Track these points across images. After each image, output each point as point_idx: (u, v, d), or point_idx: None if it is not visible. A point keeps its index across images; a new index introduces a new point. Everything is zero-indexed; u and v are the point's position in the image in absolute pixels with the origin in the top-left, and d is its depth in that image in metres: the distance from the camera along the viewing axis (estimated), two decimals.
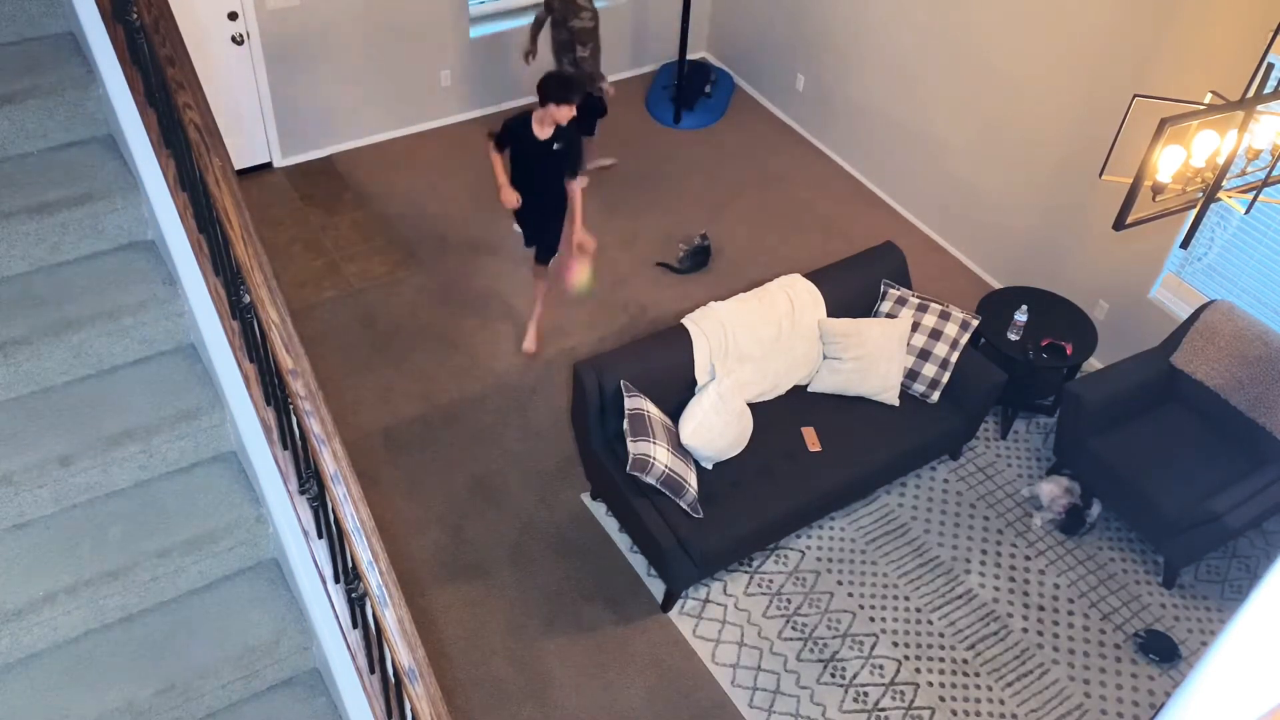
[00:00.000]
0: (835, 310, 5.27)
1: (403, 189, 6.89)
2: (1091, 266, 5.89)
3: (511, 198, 5.28)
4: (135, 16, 2.84)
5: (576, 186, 5.34)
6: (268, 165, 6.94)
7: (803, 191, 7.16)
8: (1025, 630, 4.85)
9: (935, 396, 5.22)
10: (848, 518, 5.24)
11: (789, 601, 4.88)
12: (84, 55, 3.38)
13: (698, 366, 4.94)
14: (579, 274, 5.77)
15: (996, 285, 6.54)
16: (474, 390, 5.70)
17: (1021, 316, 5.50)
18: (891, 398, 5.18)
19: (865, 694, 4.59)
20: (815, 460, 4.94)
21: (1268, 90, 3.53)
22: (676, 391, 4.93)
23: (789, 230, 6.86)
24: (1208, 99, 3.66)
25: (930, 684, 4.64)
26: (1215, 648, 2.16)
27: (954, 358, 5.18)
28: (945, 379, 5.18)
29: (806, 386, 5.29)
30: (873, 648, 4.75)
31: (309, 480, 2.73)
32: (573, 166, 5.29)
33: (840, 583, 4.98)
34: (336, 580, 2.77)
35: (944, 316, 5.23)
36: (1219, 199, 3.48)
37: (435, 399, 5.65)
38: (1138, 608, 4.97)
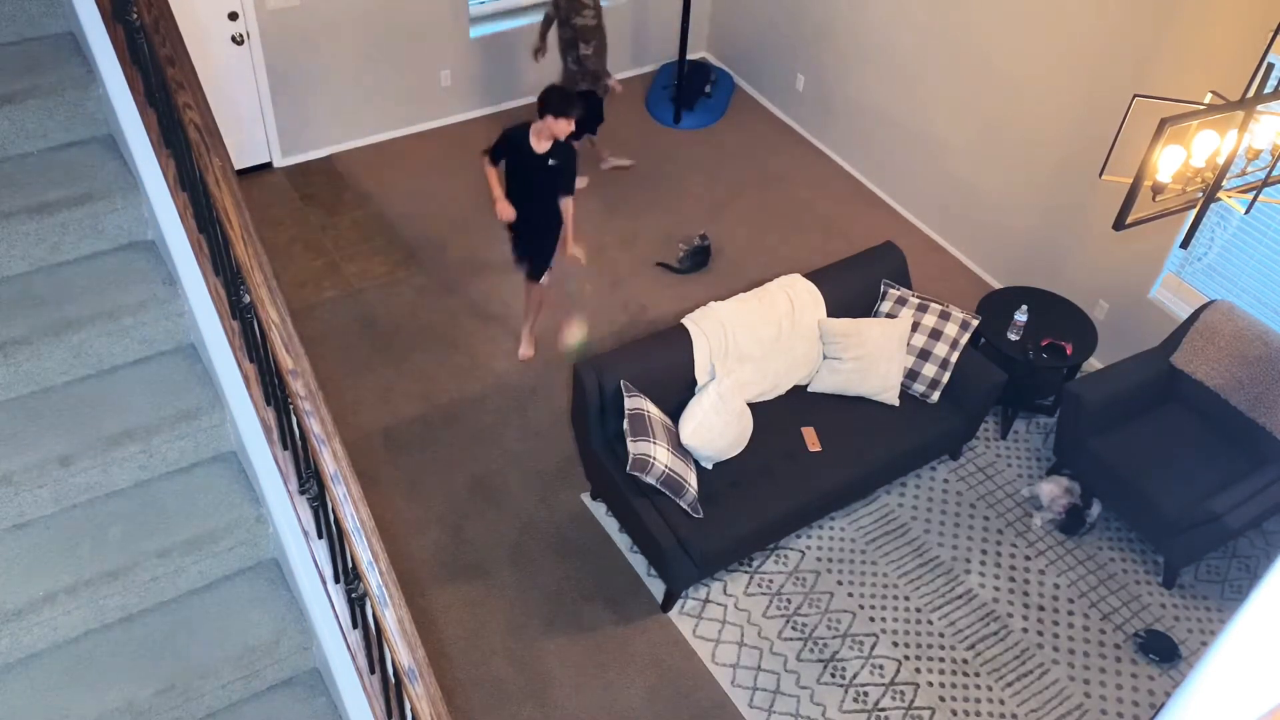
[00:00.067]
0: (835, 310, 5.27)
1: (403, 189, 6.89)
2: (1091, 266, 5.89)
3: (507, 211, 5.22)
4: (135, 16, 2.84)
5: (570, 202, 5.27)
6: (268, 165, 6.94)
7: (803, 191, 7.16)
8: (1025, 630, 4.85)
9: (935, 396, 5.22)
10: (848, 518, 5.24)
11: (789, 601, 4.88)
12: (84, 55, 3.38)
13: (698, 366, 4.94)
14: (573, 333, 5.76)
15: (996, 285, 6.54)
16: (474, 390, 5.70)
17: (1021, 316, 5.50)
18: (891, 398, 5.18)
19: (865, 694, 4.59)
20: (815, 460, 4.94)
21: (1268, 90, 3.53)
22: (676, 391, 4.93)
23: (789, 230, 6.86)
24: (1208, 99, 3.66)
25: (930, 684, 4.64)
26: (1215, 648, 2.16)
27: (954, 358, 5.18)
28: (945, 379, 5.18)
29: (806, 386, 5.29)
30: (873, 648, 4.75)
31: (309, 480, 2.73)
32: (568, 183, 5.22)
33: (840, 583, 4.98)
34: (336, 580, 2.77)
35: (944, 316, 5.23)
36: (1219, 199, 3.49)
37: (435, 399, 5.65)
38: (1138, 608, 4.97)
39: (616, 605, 4.83)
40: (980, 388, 5.17)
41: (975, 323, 5.23)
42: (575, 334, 5.74)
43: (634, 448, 4.50)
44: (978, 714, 4.55)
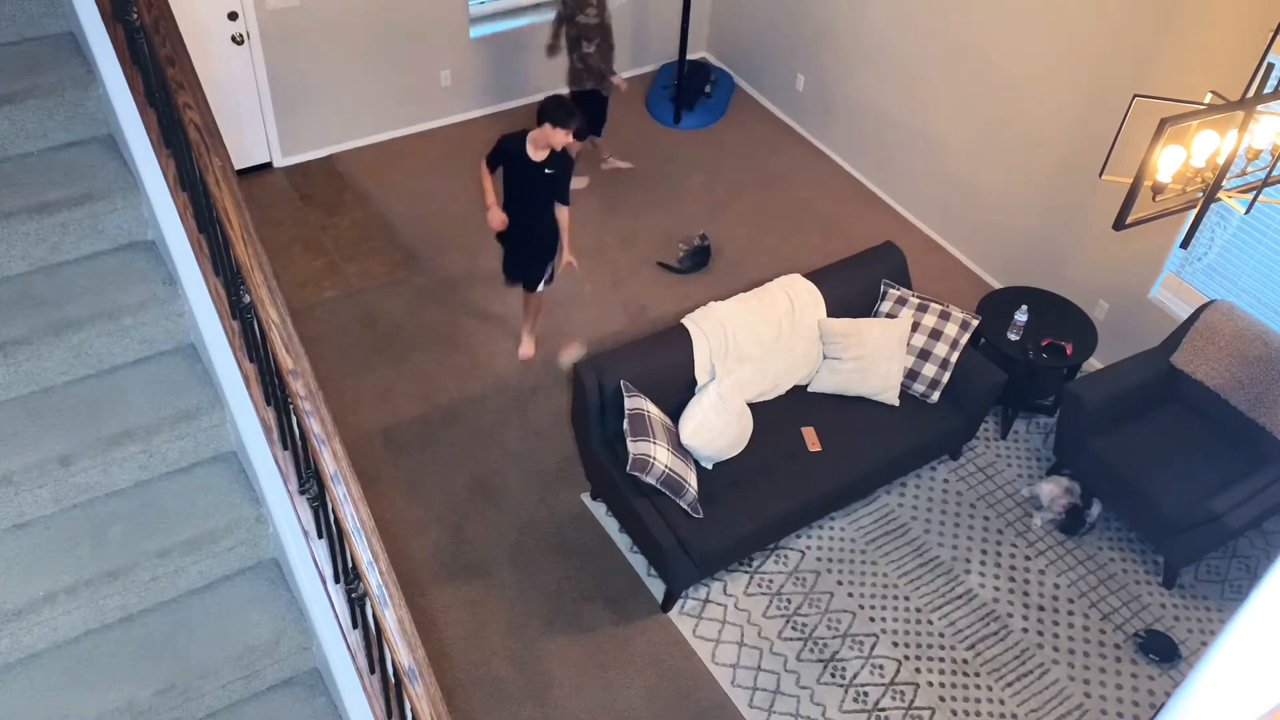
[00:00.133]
0: (835, 310, 5.27)
1: (403, 189, 6.89)
2: (1091, 266, 5.89)
3: (497, 218, 5.20)
4: (135, 16, 2.84)
5: (566, 211, 5.25)
6: (268, 165, 6.94)
7: (803, 191, 7.16)
8: (1025, 630, 4.85)
9: (935, 396, 5.22)
10: (848, 518, 5.24)
11: (789, 601, 4.88)
12: (84, 55, 3.38)
13: (698, 366, 4.94)
14: (570, 354, 5.77)
15: (996, 285, 6.54)
16: (474, 390, 5.70)
17: (1021, 316, 5.50)
18: (891, 398, 5.18)
19: (865, 694, 4.59)
20: (815, 460, 4.94)
21: (1268, 90, 3.53)
22: (676, 391, 4.93)
23: (789, 230, 6.86)
24: (1208, 99, 3.66)
25: (930, 684, 4.64)
26: (1215, 648, 2.16)
27: (954, 358, 5.18)
28: (945, 379, 5.18)
29: (806, 386, 5.29)
30: (873, 648, 4.75)
31: (309, 480, 2.73)
32: (564, 192, 5.19)
33: (840, 583, 4.98)
34: (336, 580, 2.77)
35: (944, 316, 5.23)
36: (1219, 199, 3.49)
37: (435, 399, 5.65)
38: (1138, 608, 4.97)
39: (616, 605, 4.83)
40: (980, 388, 5.17)
41: (975, 323, 5.23)
42: (574, 355, 5.76)
43: (634, 448, 4.50)
44: (978, 714, 4.55)
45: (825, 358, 5.24)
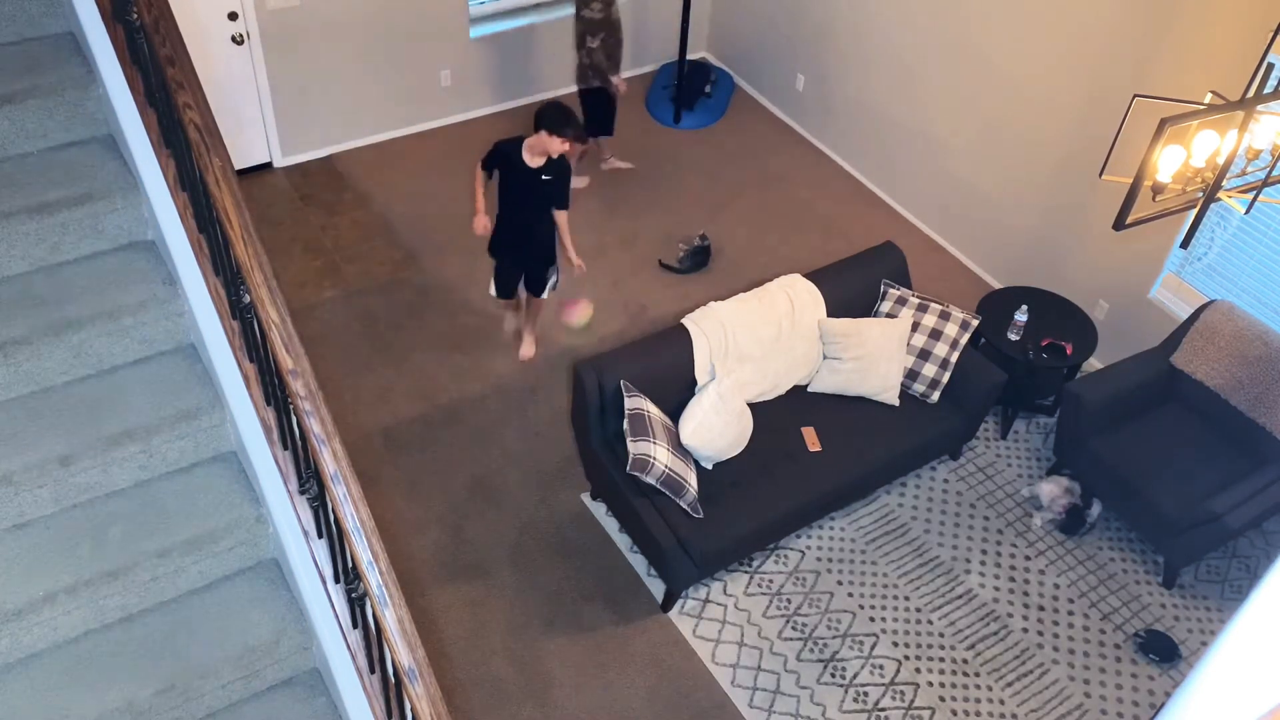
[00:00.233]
0: (835, 310, 5.27)
1: (403, 189, 6.89)
2: (1091, 266, 5.89)
3: (481, 225, 5.15)
4: (135, 16, 2.84)
5: (564, 216, 5.20)
6: (268, 165, 6.94)
7: (803, 191, 7.16)
8: (1025, 630, 4.85)
9: (935, 396, 5.22)
10: (848, 518, 5.24)
11: (789, 601, 4.88)
12: (84, 55, 3.38)
13: (698, 366, 4.94)
14: (580, 312, 5.46)
15: (996, 285, 6.54)
16: (474, 390, 5.70)
17: (1021, 316, 5.50)
18: (891, 398, 5.18)
19: (865, 694, 4.59)
20: (815, 460, 4.94)
21: (1268, 90, 3.53)
22: (676, 391, 4.93)
23: (789, 230, 6.86)
24: (1208, 99, 3.66)
25: (930, 684, 4.64)
26: (1215, 648, 2.16)
27: (954, 358, 5.18)
28: (945, 379, 5.18)
29: (806, 386, 5.29)
30: (873, 648, 4.75)
31: (309, 480, 2.73)
32: (562, 198, 5.13)
33: (840, 583, 4.98)
34: (336, 580, 2.77)
35: (944, 316, 5.23)
36: (1219, 199, 3.49)
37: (435, 399, 5.65)
38: (1138, 608, 4.97)
39: (616, 605, 4.83)
40: (980, 388, 5.17)
41: (975, 323, 5.23)
42: (581, 314, 5.48)
43: (634, 448, 4.50)
44: (978, 714, 4.55)
45: (825, 358, 5.24)
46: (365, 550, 2.43)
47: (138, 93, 3.16)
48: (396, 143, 7.24)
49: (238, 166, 6.83)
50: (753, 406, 5.14)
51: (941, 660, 4.72)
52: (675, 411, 4.94)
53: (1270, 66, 3.43)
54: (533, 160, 5.01)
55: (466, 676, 4.55)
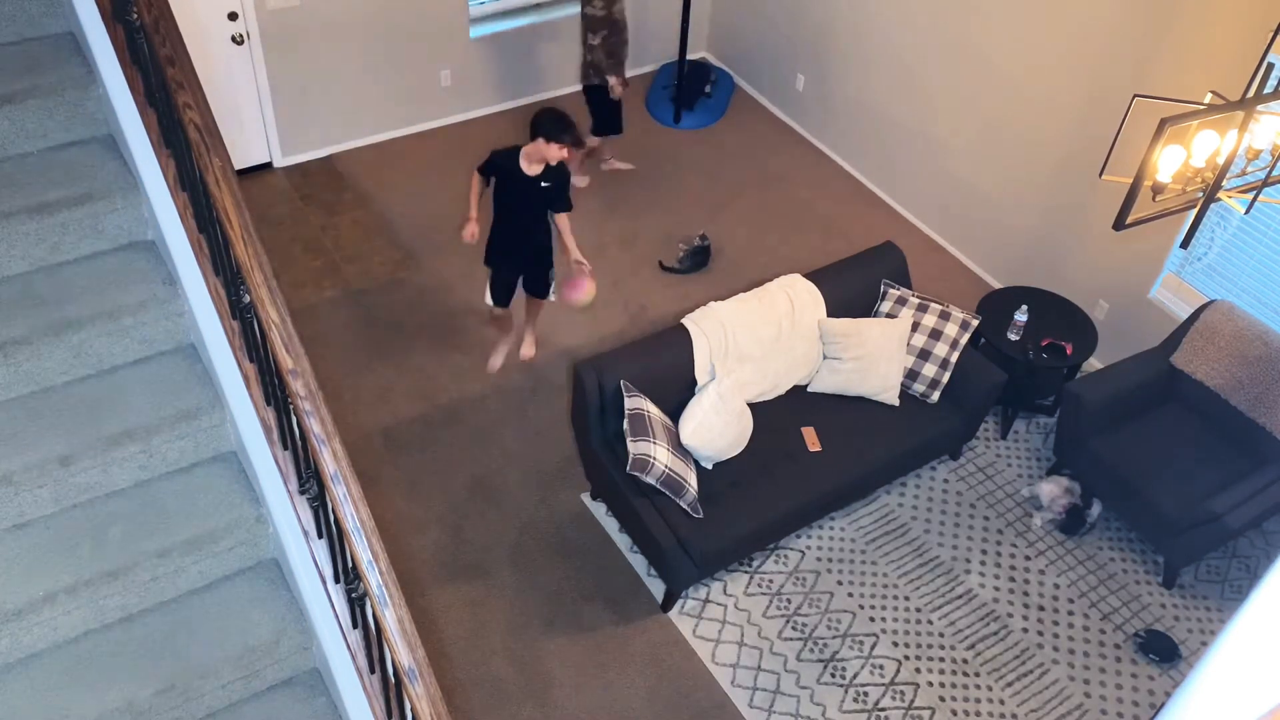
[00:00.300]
0: (835, 310, 5.27)
1: (403, 189, 6.89)
2: (1091, 266, 5.89)
3: (470, 233, 5.11)
4: (135, 16, 2.84)
5: (565, 219, 5.15)
6: (268, 165, 6.94)
7: (803, 191, 7.16)
8: (1025, 630, 4.85)
9: (935, 396, 5.22)
10: (848, 518, 5.24)
11: (789, 601, 4.88)
12: (84, 55, 3.38)
13: (698, 366, 4.94)
14: (586, 290, 5.27)
15: (996, 285, 6.54)
16: (474, 390, 5.70)
17: (1021, 316, 5.50)
18: (891, 398, 5.18)
19: (865, 694, 4.59)
20: (815, 460, 4.94)
21: (1268, 90, 3.53)
22: (676, 391, 4.93)
23: (789, 230, 6.86)
24: (1208, 99, 3.66)
25: (930, 684, 4.64)
26: (1215, 648, 2.16)
27: (954, 358, 5.18)
28: (945, 379, 5.18)
29: (806, 386, 5.29)
30: (873, 648, 4.75)
31: (309, 480, 2.73)
32: (564, 202, 5.08)
33: (840, 583, 4.98)
34: (336, 580, 2.77)
35: (944, 316, 5.23)
36: (1219, 199, 3.49)
37: (435, 399, 5.65)
38: (1138, 608, 4.97)
39: (616, 605, 4.83)
40: (980, 388, 5.17)
41: (975, 323, 5.23)
42: (586, 293, 5.30)
43: (634, 448, 4.50)
44: (978, 714, 4.55)
45: (825, 358, 5.24)
46: (365, 550, 2.43)
47: (138, 93, 3.16)
48: (396, 143, 7.24)
49: (238, 166, 6.83)
50: (753, 406, 5.14)
51: (941, 660, 4.72)
52: (675, 411, 4.94)
53: (1270, 66, 3.43)
54: (531, 168, 4.96)
55: (466, 676, 4.55)
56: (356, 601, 2.66)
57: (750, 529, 4.67)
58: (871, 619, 4.85)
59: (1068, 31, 5.56)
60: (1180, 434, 5.16)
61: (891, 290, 5.37)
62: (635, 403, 4.64)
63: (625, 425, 4.58)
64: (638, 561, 4.99)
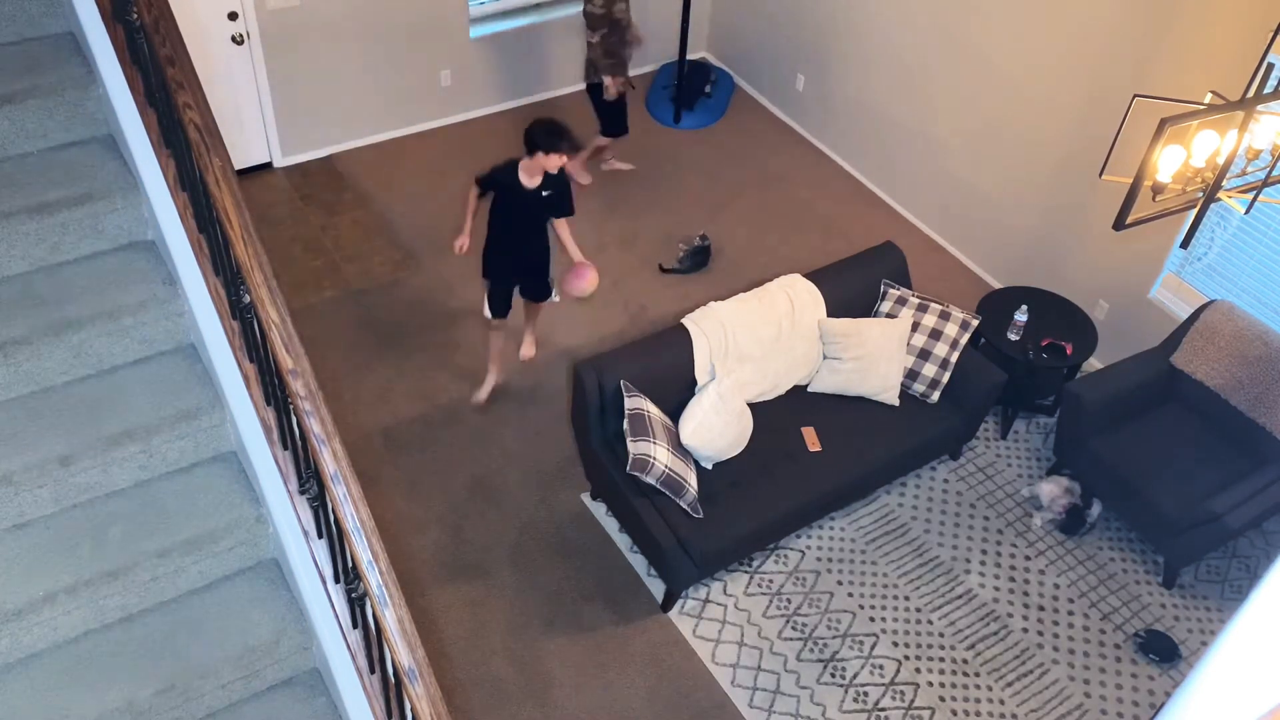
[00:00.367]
0: (835, 310, 5.27)
1: (403, 189, 6.89)
2: (1091, 266, 5.89)
3: (461, 246, 5.09)
4: (135, 16, 2.84)
5: (565, 224, 5.11)
6: (268, 165, 6.94)
7: (803, 191, 7.16)
8: (1025, 630, 4.85)
9: (935, 396, 5.22)
10: (848, 518, 5.24)
11: (789, 601, 4.88)
12: (84, 55, 3.38)
13: (698, 366, 4.94)
14: (589, 279, 5.15)
15: (996, 285, 6.54)
16: (475, 389, 5.70)
17: (1021, 316, 5.50)
18: (891, 398, 5.18)
19: (865, 694, 4.59)
20: (815, 460, 4.94)
21: (1268, 90, 3.53)
22: (676, 391, 4.93)
23: (789, 230, 6.86)
24: (1208, 99, 3.66)
25: (930, 684, 4.64)
26: (1215, 648, 2.16)
27: (954, 358, 5.18)
28: (945, 379, 5.18)
29: (806, 386, 5.29)
30: (873, 648, 4.75)
31: (309, 480, 2.73)
32: (566, 206, 5.05)
33: (840, 583, 4.98)
34: (336, 580, 2.77)
35: (944, 316, 5.23)
36: (1219, 199, 3.49)
37: (435, 399, 5.65)
38: (1138, 608, 4.97)
39: (616, 605, 4.83)
40: (980, 388, 5.17)
41: (975, 323, 5.23)
42: (588, 284, 5.17)
43: (634, 448, 4.50)
44: (978, 714, 4.55)
45: (825, 358, 5.24)
46: (365, 550, 2.43)
47: (138, 93, 3.16)
48: (396, 143, 7.24)
49: (238, 166, 6.83)
50: (753, 406, 5.14)
51: (941, 660, 4.72)
52: (675, 411, 4.94)
53: (1270, 66, 3.43)
54: (531, 181, 4.92)
55: (466, 676, 4.55)
56: (356, 601, 2.66)
57: (750, 529, 4.67)
58: (871, 619, 4.85)
59: (1068, 31, 5.56)
60: (1180, 434, 5.16)
61: (891, 290, 5.37)
62: (635, 403, 4.64)
63: (625, 425, 4.58)
64: (638, 561, 4.99)
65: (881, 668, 4.68)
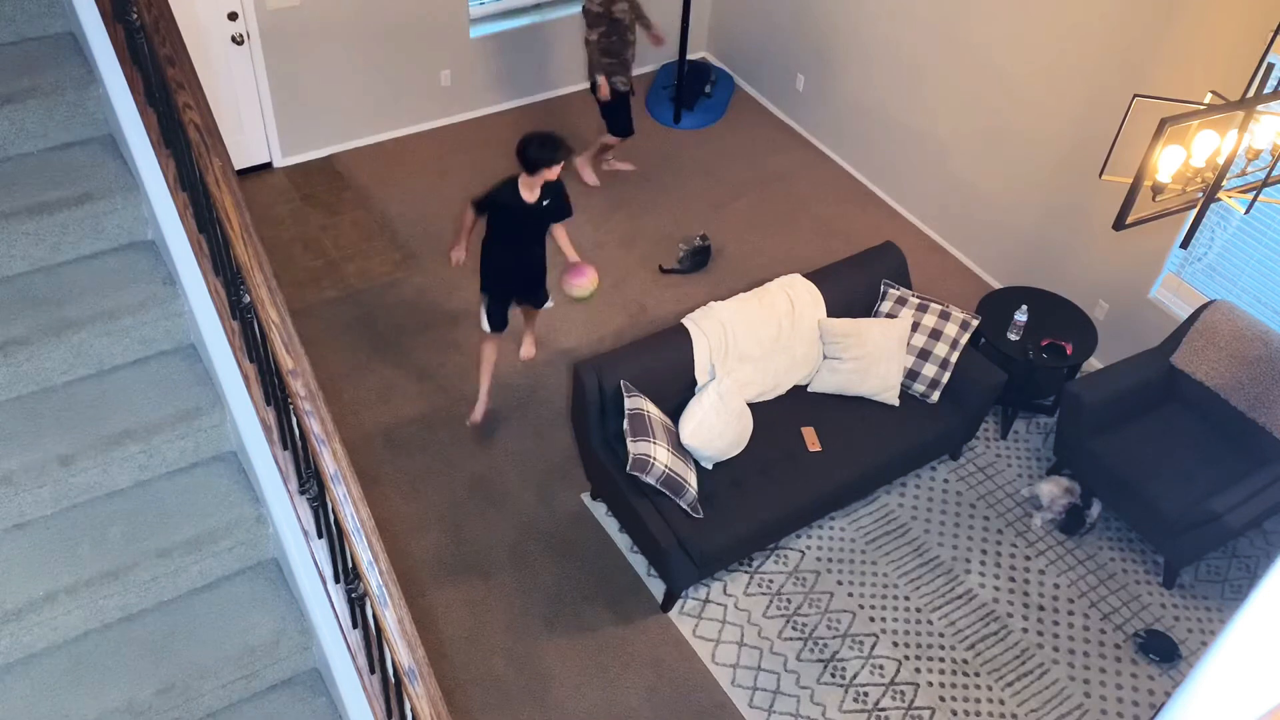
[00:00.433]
0: (835, 310, 5.27)
1: (403, 189, 6.89)
2: (1091, 266, 5.89)
3: (458, 257, 5.08)
4: (135, 16, 2.84)
5: (562, 227, 5.12)
6: (268, 165, 6.94)
7: (803, 191, 7.16)
8: (1025, 630, 4.85)
9: (935, 396, 5.22)
10: (848, 518, 5.24)
11: (789, 601, 4.88)
12: (84, 55, 3.38)
13: (698, 366, 4.94)
14: (589, 277, 5.10)
15: (996, 285, 6.54)
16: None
17: (1021, 316, 5.50)
18: (891, 398, 5.18)
19: (865, 694, 4.59)
20: (815, 460, 4.94)
21: (1268, 90, 3.53)
22: (676, 391, 4.93)
23: (789, 230, 6.86)
24: (1208, 99, 3.66)
25: (930, 684, 4.64)
26: (1215, 648, 2.16)
27: (954, 358, 5.18)
28: (945, 379, 5.18)
29: (806, 386, 5.29)
30: (873, 648, 4.75)
31: (309, 480, 2.73)
32: (565, 211, 5.04)
33: (840, 583, 4.98)
34: (336, 580, 2.77)
35: (944, 316, 5.23)
36: (1219, 199, 3.49)
37: (435, 399, 5.65)
38: (1138, 608, 4.97)
39: (616, 605, 4.83)
40: (980, 388, 5.17)
41: (975, 323, 5.23)
42: (588, 283, 5.13)
43: (634, 448, 4.50)
44: (978, 714, 4.55)
45: (825, 358, 5.24)
46: (365, 550, 2.43)
47: (138, 93, 3.16)
48: (396, 143, 7.24)
49: (238, 166, 6.83)
50: (753, 406, 5.14)
51: (941, 660, 4.72)
52: (675, 411, 4.94)
53: (1270, 66, 3.43)
54: (531, 196, 4.91)
55: (466, 676, 4.55)
56: (356, 601, 2.66)
57: (750, 529, 4.67)
58: (871, 619, 4.85)
59: (1068, 31, 5.56)
60: (1180, 434, 5.16)
61: (891, 290, 5.37)
62: (635, 403, 4.64)
63: (625, 425, 4.58)
64: (638, 561, 4.99)
65: (881, 668, 4.68)
